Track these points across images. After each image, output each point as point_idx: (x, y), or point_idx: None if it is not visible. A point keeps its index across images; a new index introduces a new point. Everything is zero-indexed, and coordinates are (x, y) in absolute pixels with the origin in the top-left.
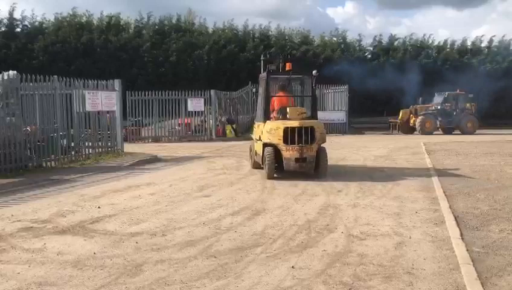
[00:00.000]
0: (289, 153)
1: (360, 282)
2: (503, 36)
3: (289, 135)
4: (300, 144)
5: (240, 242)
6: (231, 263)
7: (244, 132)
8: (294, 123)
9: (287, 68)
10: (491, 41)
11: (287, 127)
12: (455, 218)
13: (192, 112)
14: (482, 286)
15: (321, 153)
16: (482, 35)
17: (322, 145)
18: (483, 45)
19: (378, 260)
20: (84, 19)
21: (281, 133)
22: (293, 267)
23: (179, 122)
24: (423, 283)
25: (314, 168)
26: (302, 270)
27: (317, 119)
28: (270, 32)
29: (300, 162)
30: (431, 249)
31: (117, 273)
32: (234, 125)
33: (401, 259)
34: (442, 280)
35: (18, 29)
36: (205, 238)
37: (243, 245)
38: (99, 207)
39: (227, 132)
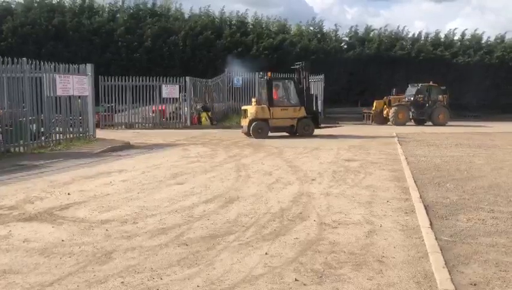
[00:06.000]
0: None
1: (331, 270)
2: (475, 30)
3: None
4: (244, 118)
5: (213, 230)
6: (203, 250)
7: (219, 120)
8: (244, 107)
9: (269, 76)
10: (463, 34)
11: (242, 109)
12: (425, 207)
13: (166, 98)
14: (449, 274)
15: (255, 124)
16: (455, 29)
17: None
18: (456, 38)
19: (349, 248)
20: (55, 1)
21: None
22: (266, 253)
23: (153, 109)
24: (393, 271)
25: (251, 131)
26: (274, 258)
27: (272, 106)
28: (246, 20)
29: (242, 127)
30: (401, 237)
31: (86, 260)
32: (209, 113)
33: (372, 247)
34: (411, 267)
35: None
36: (177, 226)
37: (215, 233)
38: (68, 194)
39: (203, 119)
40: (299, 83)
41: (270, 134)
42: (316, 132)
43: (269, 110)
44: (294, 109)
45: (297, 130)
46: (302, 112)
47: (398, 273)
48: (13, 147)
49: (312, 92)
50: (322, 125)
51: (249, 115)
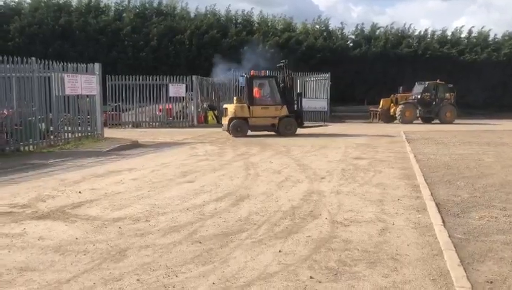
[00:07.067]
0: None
1: (345, 267)
2: (482, 27)
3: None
4: (225, 116)
5: (225, 228)
6: (216, 248)
7: None
8: (225, 105)
9: (251, 74)
10: (470, 32)
11: (224, 107)
12: (437, 205)
13: (173, 97)
14: (465, 271)
15: (233, 122)
16: (462, 26)
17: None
18: (462, 35)
19: (363, 246)
20: (62, 0)
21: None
22: (280, 251)
23: (160, 108)
24: (407, 269)
25: (230, 130)
26: (288, 255)
27: (252, 105)
28: (252, 19)
29: (223, 125)
30: (414, 235)
31: (100, 258)
32: (216, 112)
33: (385, 245)
34: (426, 265)
35: None
36: (189, 223)
37: (227, 231)
38: (80, 192)
39: (209, 118)
40: (283, 82)
41: (250, 132)
42: (319, 130)
43: (249, 108)
44: (275, 107)
45: (279, 129)
46: (284, 111)
47: (413, 270)
48: (23, 146)
49: (299, 90)
50: (308, 124)
51: (228, 113)
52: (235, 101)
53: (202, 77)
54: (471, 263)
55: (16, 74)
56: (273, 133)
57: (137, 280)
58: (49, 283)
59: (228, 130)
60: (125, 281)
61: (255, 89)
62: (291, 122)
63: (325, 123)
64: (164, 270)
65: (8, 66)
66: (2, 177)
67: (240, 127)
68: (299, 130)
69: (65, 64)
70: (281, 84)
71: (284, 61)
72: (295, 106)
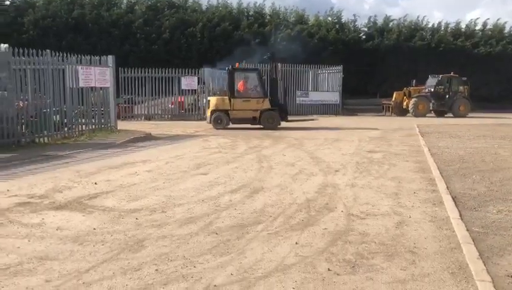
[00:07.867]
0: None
1: (363, 260)
2: (498, 19)
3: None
4: (208, 108)
5: (241, 219)
6: (233, 239)
7: None
8: (209, 98)
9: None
10: (485, 24)
11: (207, 100)
12: (453, 199)
13: (185, 90)
14: (484, 265)
15: (215, 114)
16: (477, 18)
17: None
18: (477, 28)
19: (380, 239)
20: None
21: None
22: (296, 243)
23: (172, 100)
24: (426, 262)
25: (211, 122)
26: (305, 247)
27: (233, 97)
28: (264, 11)
29: (207, 118)
30: (431, 228)
31: (118, 248)
32: None
33: (402, 238)
34: (444, 258)
35: (7, 3)
36: (205, 215)
37: (243, 222)
38: (95, 183)
39: None
40: (268, 75)
41: (231, 125)
42: (329, 123)
43: (230, 101)
44: (257, 100)
45: (261, 123)
46: (266, 104)
47: (432, 263)
48: (38, 138)
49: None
50: (293, 119)
51: (210, 105)
52: (218, 94)
53: (214, 69)
54: (491, 257)
55: (31, 66)
56: (276, 127)
57: (156, 270)
58: (69, 272)
59: (210, 122)
60: (144, 271)
61: (240, 82)
62: (273, 115)
63: (315, 118)
64: (182, 260)
65: (23, 58)
66: (18, 168)
67: (221, 120)
68: (312, 123)
69: (79, 56)
70: (263, 76)
71: (269, 53)
72: (279, 99)
